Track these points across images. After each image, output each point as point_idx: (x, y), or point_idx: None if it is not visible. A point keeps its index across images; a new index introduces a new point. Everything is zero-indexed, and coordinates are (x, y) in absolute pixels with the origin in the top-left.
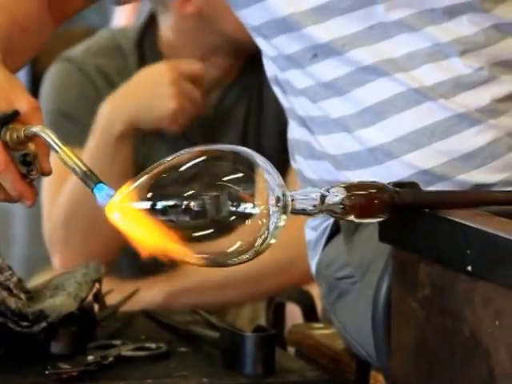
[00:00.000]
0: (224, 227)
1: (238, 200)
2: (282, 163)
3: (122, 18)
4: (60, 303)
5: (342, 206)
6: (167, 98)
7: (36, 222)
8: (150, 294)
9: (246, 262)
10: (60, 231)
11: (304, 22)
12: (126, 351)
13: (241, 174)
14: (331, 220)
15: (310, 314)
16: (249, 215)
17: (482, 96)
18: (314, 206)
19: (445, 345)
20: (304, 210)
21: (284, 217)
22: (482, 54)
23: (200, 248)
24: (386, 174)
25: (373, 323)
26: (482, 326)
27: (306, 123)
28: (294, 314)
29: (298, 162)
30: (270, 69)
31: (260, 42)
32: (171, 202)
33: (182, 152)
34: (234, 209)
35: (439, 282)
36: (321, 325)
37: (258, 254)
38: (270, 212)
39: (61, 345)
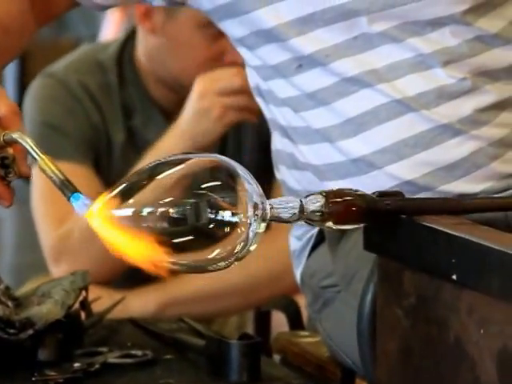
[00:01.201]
0: (203, 234)
1: (218, 208)
2: (263, 179)
3: (110, 29)
4: (47, 311)
5: (320, 214)
6: (205, 110)
7: (24, 230)
8: (142, 303)
9: (226, 268)
10: (78, 241)
11: (288, 33)
12: (113, 358)
13: (220, 182)
14: (316, 229)
15: (295, 322)
16: (228, 223)
17: (464, 106)
18: (293, 213)
19: (430, 353)
20: (283, 217)
21: (263, 224)
22: (466, 64)
23: (179, 254)
24: (370, 184)
25: (358, 331)
26: (467, 335)
27: (288, 133)
28: (279, 321)
29: (281, 172)
30: (253, 79)
31: (243, 52)
32: (150, 209)
33: (162, 160)
34: (213, 216)
35: (424, 290)
36: (306, 333)
37: (237, 260)
38: (249, 219)
39: (48, 352)
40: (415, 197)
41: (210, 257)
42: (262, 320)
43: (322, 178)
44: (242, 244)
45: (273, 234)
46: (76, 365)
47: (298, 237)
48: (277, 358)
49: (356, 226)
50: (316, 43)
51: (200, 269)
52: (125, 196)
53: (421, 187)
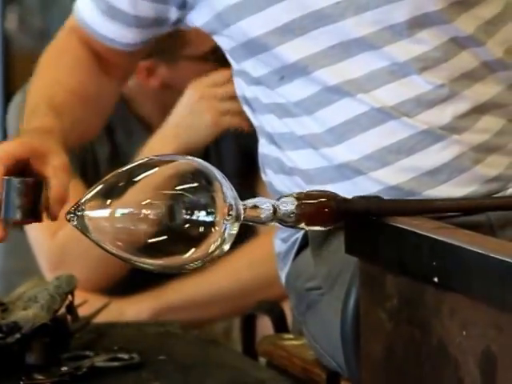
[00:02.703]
0: (178, 235)
1: (193, 208)
2: (244, 186)
3: None
4: (33, 315)
5: (292, 215)
6: (201, 113)
7: (13, 236)
8: (136, 310)
9: (200, 267)
10: (77, 250)
11: (270, 43)
12: (99, 362)
13: (196, 184)
14: (301, 232)
15: (280, 325)
16: (202, 223)
17: (444, 114)
18: (267, 214)
19: (413, 355)
20: (256, 218)
21: (236, 224)
22: (441, 69)
23: (155, 255)
24: (355, 189)
25: (342, 334)
26: (449, 337)
27: (275, 140)
28: (264, 325)
29: (268, 176)
30: (240, 87)
31: (232, 62)
32: (126, 210)
33: (139, 161)
34: (188, 217)
35: (407, 293)
36: (291, 336)
37: (211, 260)
38: (223, 219)
39: (35, 356)
40: (386, 198)
41: (184, 257)
42: (248, 324)
43: (310, 182)
44: (216, 244)
45: (261, 240)
46: (63, 368)
47: (284, 239)
48: (262, 361)
49: (329, 227)
50: (296, 53)
51: (175, 268)
52: (102, 197)
53: (406, 192)
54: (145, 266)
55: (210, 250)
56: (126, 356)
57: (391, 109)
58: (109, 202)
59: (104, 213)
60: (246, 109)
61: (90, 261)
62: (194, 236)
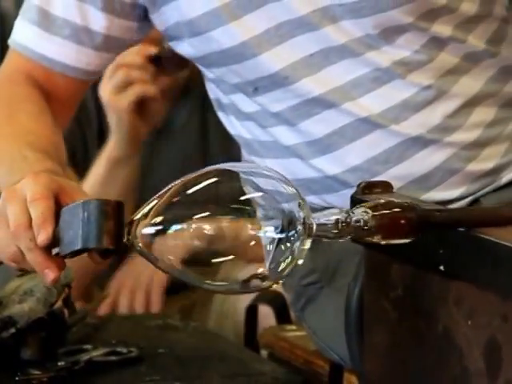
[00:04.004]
0: (244, 252)
1: (259, 224)
2: None
3: None
4: (29, 309)
5: (366, 228)
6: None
7: None
8: None
9: (269, 287)
10: None
11: (246, 53)
12: (97, 356)
13: (262, 194)
14: None
15: (282, 315)
16: (271, 240)
17: (433, 115)
18: (338, 229)
19: (418, 345)
20: (328, 233)
21: (309, 240)
22: (426, 70)
23: (218, 274)
24: (344, 201)
25: (346, 324)
26: (454, 326)
27: (254, 148)
28: (266, 316)
29: None
30: (213, 92)
31: (203, 69)
32: (184, 226)
33: (192, 175)
34: (254, 233)
35: (412, 282)
36: (293, 327)
37: (281, 279)
38: (295, 236)
39: (31, 350)
40: (465, 207)
41: (251, 277)
42: (250, 314)
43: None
44: (286, 262)
45: None
46: (60, 363)
47: None
48: (264, 353)
49: (405, 240)
50: (275, 62)
51: (240, 290)
52: (159, 213)
53: None
54: (208, 286)
55: (280, 269)
56: (124, 350)
57: (378, 117)
58: (164, 218)
59: (160, 228)
60: (220, 114)
61: None
62: (262, 254)
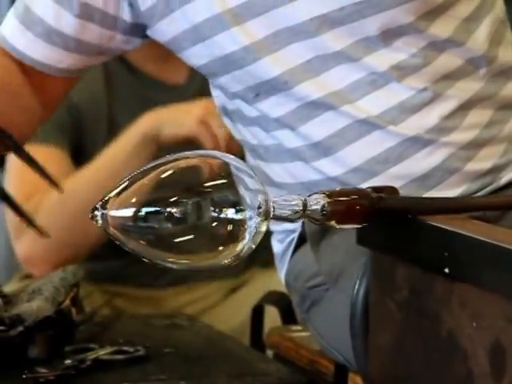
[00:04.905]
0: (206, 233)
1: (220, 206)
2: None
3: None
4: (37, 307)
5: (323, 212)
6: (191, 116)
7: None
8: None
9: (227, 266)
10: (42, 220)
11: (245, 59)
12: (104, 355)
13: (223, 181)
14: (297, 233)
15: (288, 316)
16: (231, 221)
17: (429, 117)
18: (296, 212)
19: (423, 346)
20: (285, 215)
21: (265, 222)
22: (423, 73)
23: (180, 254)
24: None
25: (351, 326)
26: (459, 328)
27: (260, 153)
28: (272, 316)
29: None
30: (219, 98)
31: (208, 77)
32: (153, 209)
33: (162, 159)
34: (215, 215)
35: (417, 283)
36: (299, 327)
37: (239, 259)
38: (252, 217)
39: (38, 349)
40: (416, 196)
41: (212, 256)
42: (256, 315)
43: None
44: (243, 242)
45: None
46: (67, 362)
47: (280, 240)
48: (270, 353)
49: (360, 225)
50: (274, 68)
51: (202, 268)
52: (126, 195)
53: None
54: (171, 265)
55: (237, 249)
56: (131, 349)
57: (376, 118)
58: (134, 199)
59: (128, 211)
60: (225, 120)
61: (54, 234)
62: (222, 234)
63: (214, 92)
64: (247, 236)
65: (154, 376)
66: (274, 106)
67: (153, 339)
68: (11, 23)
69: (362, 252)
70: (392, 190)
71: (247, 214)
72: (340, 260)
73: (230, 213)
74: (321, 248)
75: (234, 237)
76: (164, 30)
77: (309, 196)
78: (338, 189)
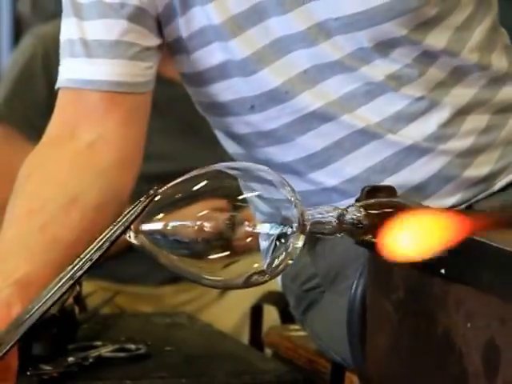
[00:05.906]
0: (240, 248)
1: (255, 221)
2: None
3: None
4: None
5: (360, 226)
6: None
7: None
8: None
9: (263, 283)
10: None
11: (246, 69)
12: (106, 352)
13: (257, 192)
14: None
15: (286, 316)
16: (267, 236)
17: (427, 125)
18: (332, 226)
19: (419, 346)
20: (321, 230)
21: (302, 237)
22: (418, 83)
23: (215, 270)
24: None
25: (348, 326)
26: (454, 328)
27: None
28: (271, 315)
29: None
30: (213, 120)
31: (196, 94)
32: (185, 223)
33: (194, 173)
34: (250, 229)
35: (413, 284)
36: (297, 327)
37: (276, 275)
38: (289, 232)
39: (42, 346)
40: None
41: (247, 272)
42: (255, 315)
43: None
44: (280, 258)
45: None
46: (70, 359)
47: None
48: (268, 352)
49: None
50: (274, 78)
51: (237, 285)
52: (158, 210)
53: None
54: (206, 282)
55: (274, 265)
56: (132, 347)
57: (375, 127)
58: (163, 215)
59: (160, 225)
60: (217, 133)
61: None
62: (257, 249)
63: (201, 109)
64: (284, 252)
65: (154, 373)
66: (268, 120)
67: (154, 337)
68: (74, 65)
69: (359, 254)
70: (390, 190)
71: (283, 229)
72: (337, 262)
73: (265, 228)
74: (317, 250)
75: (270, 253)
76: (169, 32)
77: (345, 209)
78: (373, 200)
